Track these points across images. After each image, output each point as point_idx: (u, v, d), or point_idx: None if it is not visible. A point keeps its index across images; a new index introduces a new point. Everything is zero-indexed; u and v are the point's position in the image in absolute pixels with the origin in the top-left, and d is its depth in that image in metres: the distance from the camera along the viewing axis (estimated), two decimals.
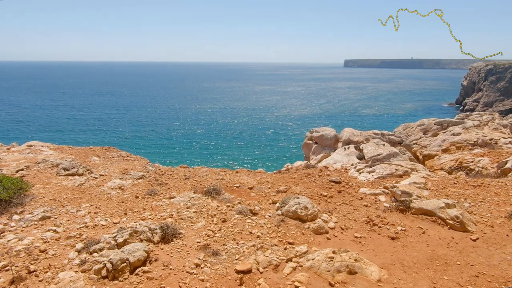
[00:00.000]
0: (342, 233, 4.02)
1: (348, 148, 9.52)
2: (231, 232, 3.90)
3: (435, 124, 13.17)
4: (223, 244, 3.62)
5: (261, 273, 3.12)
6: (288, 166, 8.29)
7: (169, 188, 5.48)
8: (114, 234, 3.60)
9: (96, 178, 5.78)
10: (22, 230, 3.86)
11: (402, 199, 4.74)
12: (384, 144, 9.64)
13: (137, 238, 3.56)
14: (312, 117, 54.07)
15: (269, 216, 4.37)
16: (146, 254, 3.24)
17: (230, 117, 54.51)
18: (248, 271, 3.10)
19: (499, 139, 10.78)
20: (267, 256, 3.35)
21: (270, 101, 74.40)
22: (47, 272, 3.08)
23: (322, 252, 3.36)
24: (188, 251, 3.46)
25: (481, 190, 5.23)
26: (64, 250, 3.47)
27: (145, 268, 3.10)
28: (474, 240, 3.77)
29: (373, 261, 3.31)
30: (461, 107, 65.23)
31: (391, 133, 12.18)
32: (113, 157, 7.40)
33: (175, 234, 3.74)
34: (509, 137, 11.03)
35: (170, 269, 3.14)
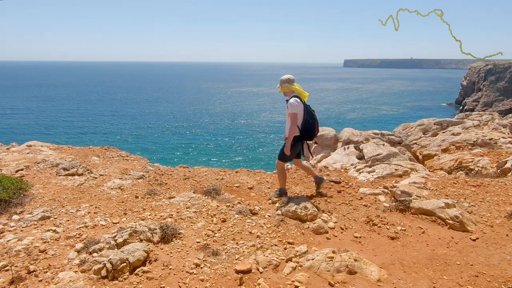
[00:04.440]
0: (341, 233, 4.01)
1: (348, 148, 9.52)
2: (231, 232, 3.90)
3: (434, 124, 13.18)
4: (223, 244, 3.61)
5: (261, 273, 3.12)
6: (288, 166, 8.28)
7: (168, 188, 5.47)
8: (114, 234, 3.59)
9: (96, 178, 5.77)
10: (21, 230, 3.86)
11: (402, 199, 4.74)
12: (384, 144, 9.64)
13: (137, 238, 3.56)
14: None
15: (269, 216, 4.37)
16: (145, 254, 3.24)
17: (230, 117, 54.52)
18: (248, 271, 3.10)
19: (499, 139, 10.78)
20: (267, 256, 3.34)
21: (270, 102, 74.41)
22: (46, 272, 3.07)
23: (322, 252, 3.36)
24: (188, 251, 3.45)
25: (481, 190, 5.23)
26: (64, 250, 3.46)
27: (145, 268, 3.09)
28: (474, 240, 3.77)
29: (372, 261, 3.31)
30: (461, 107, 65.31)
31: (390, 133, 12.19)
32: (112, 157, 7.39)
33: (175, 234, 3.73)
34: (508, 137, 11.03)
35: (170, 269, 3.13)
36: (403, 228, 4.04)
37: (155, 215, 4.33)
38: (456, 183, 5.62)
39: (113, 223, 4.13)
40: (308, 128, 4.61)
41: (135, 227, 3.66)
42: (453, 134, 11.94)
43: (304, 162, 5.21)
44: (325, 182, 5.37)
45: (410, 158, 9.07)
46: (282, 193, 4.99)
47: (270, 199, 4.98)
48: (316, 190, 5.18)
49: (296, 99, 4.54)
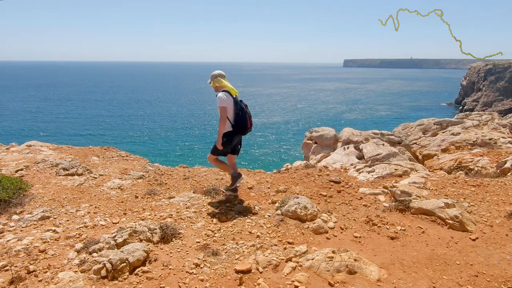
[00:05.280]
0: (341, 233, 4.02)
1: (348, 148, 9.52)
2: (231, 232, 3.90)
3: (434, 124, 13.19)
4: (223, 244, 3.61)
5: (260, 273, 3.12)
6: (287, 166, 8.29)
7: (168, 188, 5.47)
8: (114, 234, 3.59)
9: (96, 178, 5.77)
10: (21, 230, 3.85)
11: (402, 198, 4.74)
12: (383, 144, 9.64)
13: (137, 238, 3.56)
14: (312, 117, 54.10)
15: (269, 216, 4.37)
16: (145, 254, 3.24)
17: None
18: (248, 271, 3.10)
19: (499, 138, 10.79)
20: (267, 256, 3.34)
21: (269, 102, 74.42)
22: (46, 272, 3.07)
23: (321, 252, 3.36)
24: (187, 251, 3.45)
25: (481, 189, 5.24)
26: (64, 250, 3.46)
27: (145, 268, 3.09)
28: (474, 240, 3.77)
29: (372, 261, 3.31)
30: (461, 107, 65.36)
31: (390, 133, 12.18)
32: (112, 157, 7.39)
33: (175, 234, 3.73)
34: (508, 137, 11.05)
35: (170, 269, 3.13)
36: (402, 228, 4.04)
37: (155, 215, 4.33)
38: (455, 183, 5.62)
39: (113, 223, 4.13)
40: (239, 121, 4.63)
41: (135, 227, 3.66)
42: (452, 134, 11.95)
43: (226, 163, 5.10)
44: (241, 180, 5.08)
45: (410, 158, 9.08)
46: (235, 177, 4.91)
47: (227, 190, 4.95)
48: (228, 188, 5.03)
49: (225, 93, 4.60)
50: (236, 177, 4.94)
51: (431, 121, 13.47)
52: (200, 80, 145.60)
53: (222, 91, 4.65)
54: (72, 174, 5.81)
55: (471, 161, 8.51)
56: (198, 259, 3.27)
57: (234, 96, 4.72)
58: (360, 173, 6.53)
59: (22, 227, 3.92)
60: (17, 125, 45.89)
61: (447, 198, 4.75)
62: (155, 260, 3.24)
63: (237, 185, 5.12)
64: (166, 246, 3.54)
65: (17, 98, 72.83)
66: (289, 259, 3.31)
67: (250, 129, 4.81)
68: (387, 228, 4.06)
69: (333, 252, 3.33)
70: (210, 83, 4.81)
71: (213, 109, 62.56)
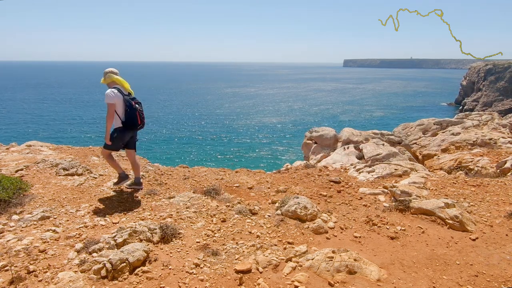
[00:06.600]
0: (341, 233, 4.02)
1: (348, 148, 9.52)
2: (231, 232, 3.90)
3: (434, 124, 13.19)
4: (223, 244, 3.61)
5: (260, 273, 3.12)
6: (287, 166, 8.29)
7: (168, 188, 5.47)
8: (114, 234, 3.59)
9: (96, 178, 5.77)
10: (21, 230, 3.85)
11: (402, 198, 4.74)
12: (383, 144, 9.65)
13: (137, 238, 3.56)
14: (312, 117, 54.10)
15: (269, 216, 4.37)
16: (145, 254, 3.24)
17: (229, 118, 54.54)
18: (248, 271, 3.10)
19: (499, 138, 10.80)
20: (267, 256, 3.34)
21: (269, 102, 74.42)
22: (46, 272, 3.07)
23: (321, 252, 3.36)
24: (187, 251, 3.45)
25: (481, 189, 5.24)
26: (64, 250, 3.46)
27: (145, 268, 3.09)
28: (474, 240, 3.77)
29: (372, 261, 3.31)
30: (461, 107, 65.35)
31: (390, 133, 12.19)
32: None
33: (175, 234, 3.73)
34: (508, 137, 11.05)
35: (170, 269, 3.13)
36: (402, 228, 4.05)
37: (155, 215, 4.33)
38: (455, 183, 5.62)
39: (113, 223, 4.13)
40: (128, 118, 4.73)
41: (135, 227, 3.66)
42: (452, 134, 11.96)
43: (137, 159, 5.27)
44: (128, 186, 5.20)
45: (409, 158, 9.08)
46: (122, 177, 5.11)
47: (129, 186, 5.16)
48: (114, 183, 5.18)
49: (113, 90, 4.66)
50: (123, 177, 5.11)
51: (431, 121, 13.48)
52: (200, 80, 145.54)
53: (113, 87, 4.71)
54: (72, 174, 5.81)
55: (471, 161, 8.52)
56: (198, 259, 3.27)
57: (127, 93, 4.80)
58: (360, 173, 6.54)
59: (22, 227, 3.92)
60: (17, 125, 45.89)
61: (447, 198, 4.75)
62: (155, 260, 3.24)
63: (132, 187, 5.18)
64: (166, 246, 3.54)
65: (16, 98, 72.84)
66: (289, 259, 3.31)
67: (141, 126, 4.94)
68: (387, 228, 4.07)
69: (333, 252, 3.33)
70: (102, 80, 4.88)
71: (213, 109, 62.62)
